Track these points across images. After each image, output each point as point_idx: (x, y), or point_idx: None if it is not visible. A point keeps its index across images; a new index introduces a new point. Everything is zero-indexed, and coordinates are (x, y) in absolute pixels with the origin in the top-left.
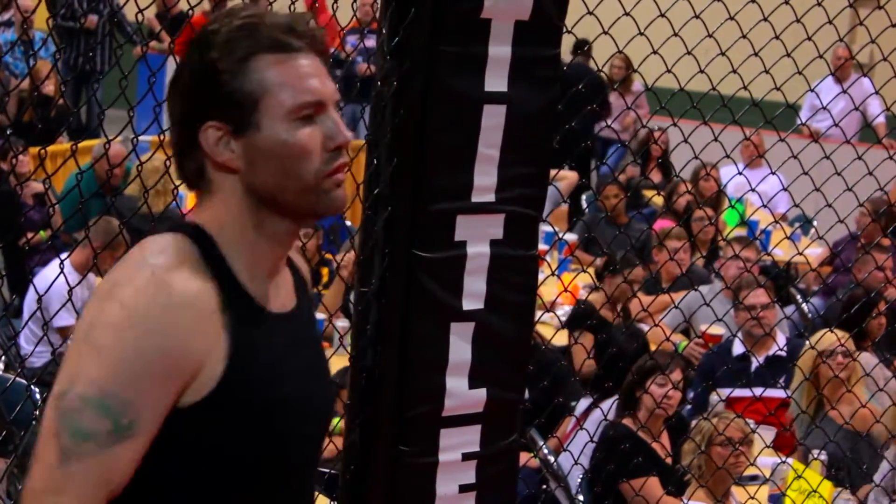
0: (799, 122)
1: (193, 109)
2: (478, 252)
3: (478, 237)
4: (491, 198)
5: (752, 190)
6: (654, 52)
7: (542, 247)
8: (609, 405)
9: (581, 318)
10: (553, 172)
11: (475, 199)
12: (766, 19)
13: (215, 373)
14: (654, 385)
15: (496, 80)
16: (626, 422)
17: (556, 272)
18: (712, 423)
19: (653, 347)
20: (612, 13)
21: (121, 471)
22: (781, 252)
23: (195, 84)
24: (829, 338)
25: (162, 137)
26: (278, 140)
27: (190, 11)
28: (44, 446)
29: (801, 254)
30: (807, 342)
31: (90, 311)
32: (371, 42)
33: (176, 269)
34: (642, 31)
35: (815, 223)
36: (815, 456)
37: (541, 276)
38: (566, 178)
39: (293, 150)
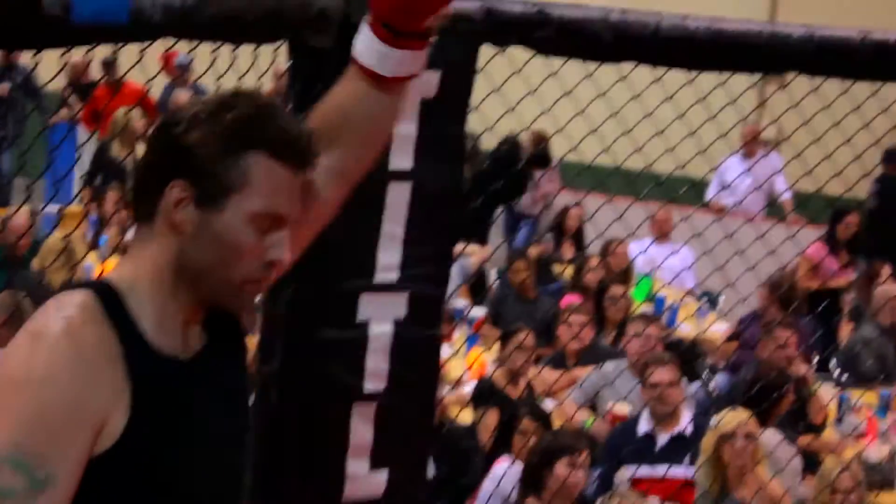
0: (706, 198)
1: (173, 161)
2: (381, 332)
3: (381, 316)
4: (395, 277)
5: (657, 267)
6: (559, 131)
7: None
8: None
9: (484, 394)
10: (461, 248)
11: (379, 277)
12: (669, 99)
13: (119, 424)
14: (561, 466)
15: (401, 158)
16: (530, 500)
17: (464, 349)
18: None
19: (559, 423)
20: (519, 88)
21: None
22: (688, 328)
23: (187, 142)
24: (732, 418)
25: (63, 211)
26: (232, 232)
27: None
28: None
29: (704, 331)
30: (711, 422)
31: (2, 368)
32: None
33: (78, 323)
34: (547, 109)
35: (721, 299)
36: None
37: (448, 352)
38: (476, 253)
39: (239, 247)
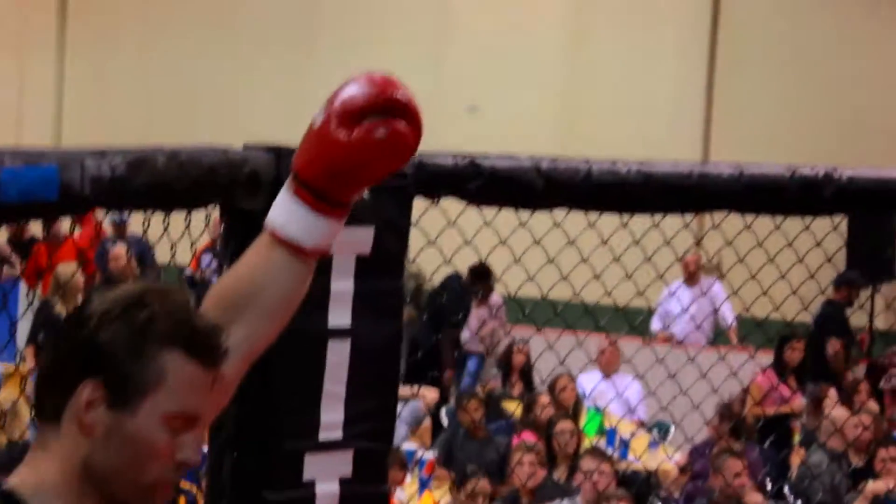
0: (652, 329)
1: (83, 360)
2: (327, 491)
3: (326, 475)
4: (339, 434)
5: (605, 406)
6: (497, 280)
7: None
8: None
9: None
10: (412, 391)
11: (322, 436)
12: (604, 243)
13: None
14: None
15: (339, 315)
16: None
17: (417, 493)
18: None
19: None
20: (457, 236)
21: None
22: (641, 461)
23: (99, 340)
24: None
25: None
26: (145, 434)
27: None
28: None
29: (654, 470)
30: None
31: None
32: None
33: None
34: (484, 258)
35: (672, 428)
36: None
37: (403, 496)
38: (426, 396)
39: (152, 450)
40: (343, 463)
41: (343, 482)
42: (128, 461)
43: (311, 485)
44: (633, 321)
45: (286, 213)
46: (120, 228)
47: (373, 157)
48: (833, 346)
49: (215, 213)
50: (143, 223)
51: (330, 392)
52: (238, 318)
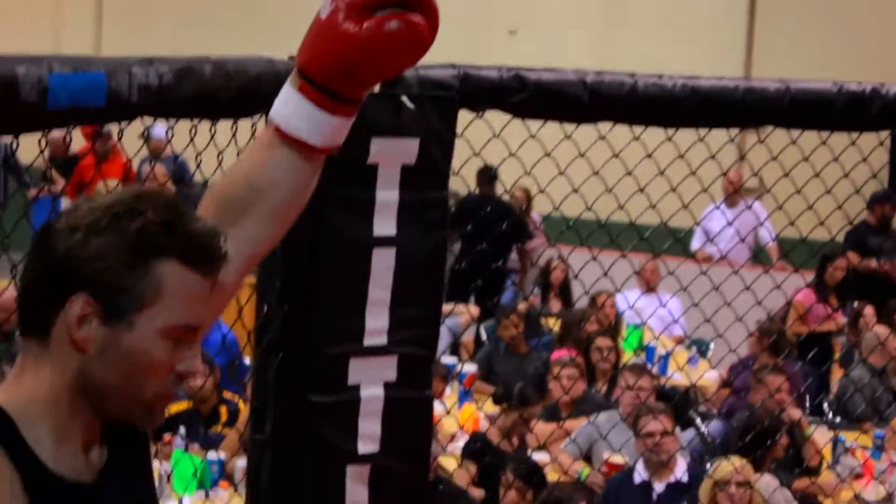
0: (692, 248)
1: (71, 274)
2: (372, 395)
3: (371, 380)
4: (383, 340)
5: (645, 321)
6: (541, 192)
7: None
8: None
9: (476, 451)
10: (450, 308)
11: (367, 342)
12: (649, 156)
13: None
14: None
15: (385, 224)
16: None
17: (456, 405)
18: None
19: (555, 477)
20: (501, 150)
21: None
22: (680, 376)
23: (87, 252)
24: (725, 467)
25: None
26: (142, 348)
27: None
28: None
29: (693, 384)
30: (707, 467)
31: None
32: None
33: None
34: (528, 171)
35: (712, 346)
36: None
37: (441, 409)
38: (465, 313)
39: (150, 364)
40: (387, 368)
41: (387, 386)
42: (125, 377)
43: (356, 388)
44: (676, 238)
45: (291, 109)
46: (157, 146)
47: (384, 52)
48: (847, 261)
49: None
50: (190, 132)
51: (375, 298)
52: (239, 220)
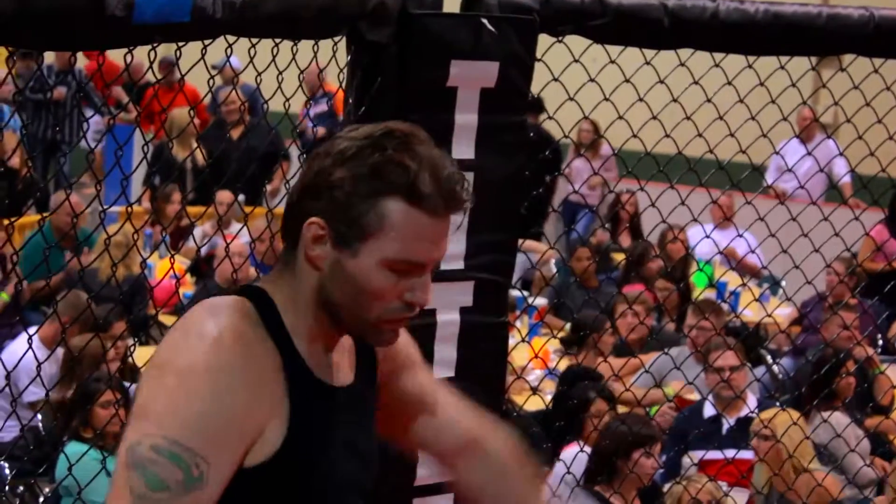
0: (765, 183)
1: (314, 197)
2: (448, 320)
3: (447, 305)
4: (460, 265)
5: (720, 253)
6: (620, 118)
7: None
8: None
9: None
10: (521, 242)
11: (444, 266)
12: (730, 83)
13: (276, 437)
14: (638, 455)
15: (463, 148)
16: (601, 488)
17: (527, 338)
18: (684, 487)
19: (623, 411)
20: (577, 78)
21: None
22: (751, 313)
23: (330, 179)
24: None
25: (129, 209)
26: (365, 276)
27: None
28: (116, 497)
29: (769, 315)
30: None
31: (158, 366)
32: (320, 108)
33: (246, 329)
34: (608, 96)
35: (783, 284)
36: None
37: (511, 342)
38: (536, 249)
39: (372, 291)
40: (464, 293)
41: (463, 311)
42: (351, 297)
43: (432, 313)
44: (748, 173)
45: None
46: (231, 74)
47: None
48: None
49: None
50: (272, 51)
51: (452, 222)
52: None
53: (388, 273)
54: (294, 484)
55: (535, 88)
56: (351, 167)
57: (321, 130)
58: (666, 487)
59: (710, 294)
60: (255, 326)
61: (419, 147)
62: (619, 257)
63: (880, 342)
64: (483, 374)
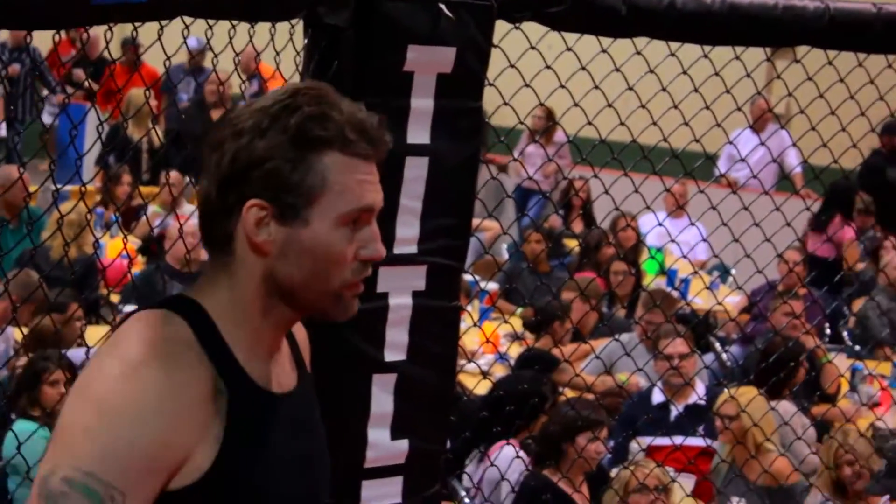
0: (717, 172)
1: (241, 182)
2: (400, 303)
3: (400, 288)
4: (413, 249)
5: (673, 241)
6: (576, 105)
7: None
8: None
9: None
10: (476, 223)
11: (397, 250)
12: (685, 72)
13: (206, 458)
14: (583, 438)
15: (418, 133)
16: (548, 471)
17: (478, 322)
18: (631, 472)
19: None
20: (534, 65)
21: None
22: (701, 301)
23: (255, 155)
24: (744, 393)
25: (83, 189)
26: (321, 241)
27: (112, 60)
28: None
29: (719, 303)
30: (724, 392)
31: (78, 391)
32: (253, 89)
33: (174, 355)
34: (563, 83)
35: (733, 272)
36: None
37: (462, 326)
38: (490, 228)
39: (332, 255)
40: (416, 277)
41: (416, 295)
42: (310, 272)
43: (385, 296)
44: (700, 162)
45: None
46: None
47: None
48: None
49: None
50: (229, 33)
51: (406, 207)
52: None
53: (344, 231)
54: (232, 501)
55: (491, 74)
56: (273, 136)
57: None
58: (614, 472)
59: (661, 282)
60: (185, 345)
61: (331, 97)
62: (572, 243)
63: (828, 331)
64: (434, 357)
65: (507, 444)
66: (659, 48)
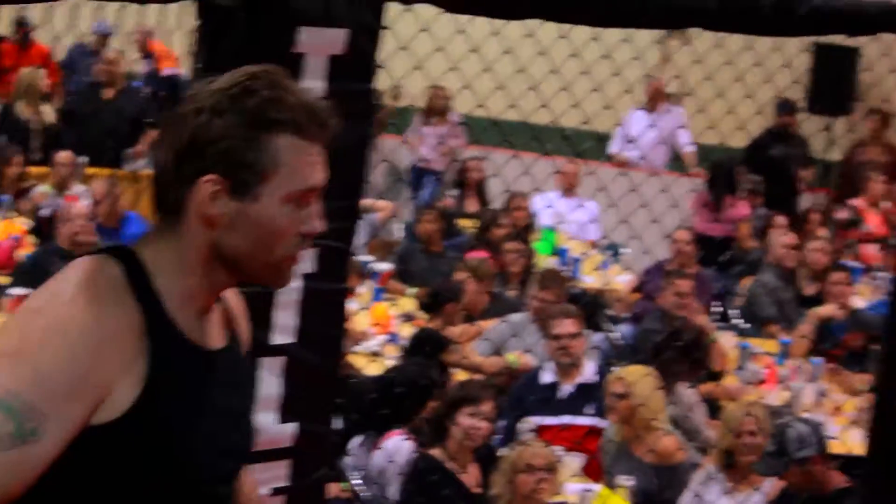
0: (610, 151)
1: (199, 155)
2: (289, 286)
3: None
4: None
5: (564, 222)
6: (466, 87)
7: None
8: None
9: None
10: (370, 202)
11: None
12: (575, 55)
13: (127, 396)
14: (465, 416)
15: None
16: (436, 452)
17: (370, 303)
18: (518, 452)
19: (465, 377)
20: (426, 45)
21: (20, 476)
22: (592, 280)
23: (212, 132)
24: (634, 372)
25: None
26: (270, 217)
27: None
28: None
29: (609, 283)
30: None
31: (11, 321)
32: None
33: (97, 293)
34: (455, 65)
35: (622, 251)
36: (622, 482)
37: (355, 307)
38: (383, 208)
39: (277, 229)
40: (307, 259)
41: (305, 278)
42: (255, 244)
43: None
44: (600, 138)
45: None
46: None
47: None
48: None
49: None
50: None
51: None
52: None
53: (290, 208)
54: (151, 445)
55: (384, 56)
56: (230, 117)
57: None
58: (502, 452)
59: (553, 261)
60: (115, 287)
61: (286, 82)
62: (465, 223)
63: (718, 310)
64: (322, 340)
65: (398, 433)
66: (553, 29)
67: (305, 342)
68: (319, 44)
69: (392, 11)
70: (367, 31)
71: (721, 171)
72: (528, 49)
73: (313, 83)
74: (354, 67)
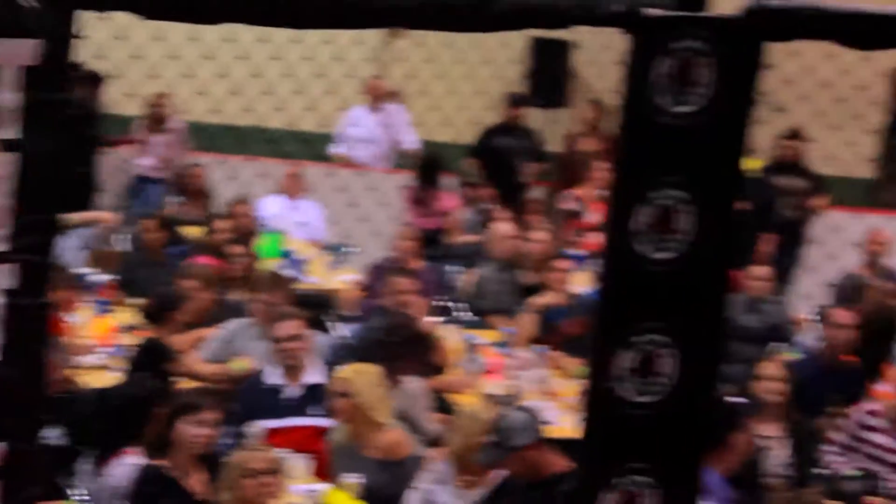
0: (334, 151)
1: None
2: None
3: None
4: (5, 248)
5: (288, 224)
6: (169, 94)
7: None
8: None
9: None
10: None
11: None
12: (275, 58)
13: None
14: (186, 425)
15: (6, 128)
16: (162, 462)
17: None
18: (241, 457)
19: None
20: (148, 49)
21: None
22: (319, 280)
23: None
24: (355, 370)
25: None
26: None
27: None
28: None
29: (336, 282)
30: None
31: None
32: None
33: None
34: (161, 74)
35: (346, 251)
36: (347, 479)
37: (78, 320)
38: (105, 219)
39: None
40: (8, 275)
41: (9, 294)
42: None
43: None
44: (316, 146)
45: None
46: None
47: None
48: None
49: None
50: None
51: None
52: None
53: None
54: None
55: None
56: None
57: None
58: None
59: (280, 263)
60: None
61: None
62: (190, 230)
63: (440, 304)
64: (26, 356)
65: (128, 451)
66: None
67: (8, 360)
68: (10, 54)
69: (122, 19)
70: (61, 40)
71: (426, 166)
72: (262, 53)
73: (7, 94)
74: (50, 77)
